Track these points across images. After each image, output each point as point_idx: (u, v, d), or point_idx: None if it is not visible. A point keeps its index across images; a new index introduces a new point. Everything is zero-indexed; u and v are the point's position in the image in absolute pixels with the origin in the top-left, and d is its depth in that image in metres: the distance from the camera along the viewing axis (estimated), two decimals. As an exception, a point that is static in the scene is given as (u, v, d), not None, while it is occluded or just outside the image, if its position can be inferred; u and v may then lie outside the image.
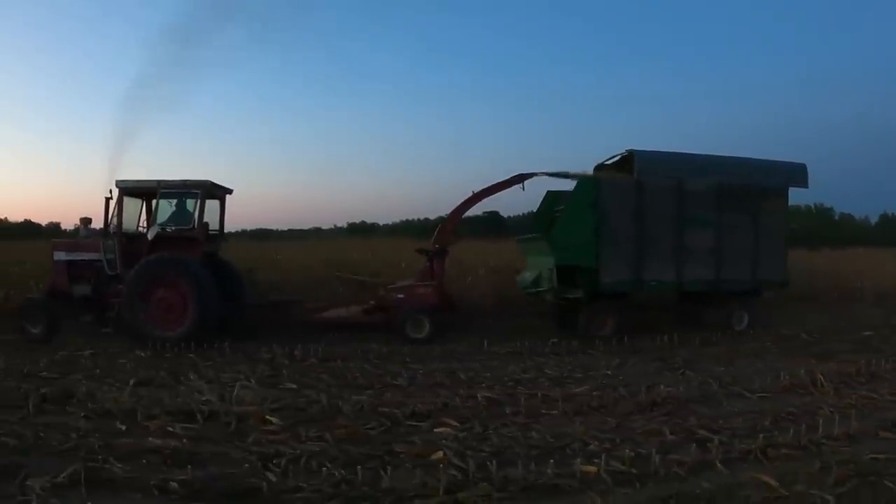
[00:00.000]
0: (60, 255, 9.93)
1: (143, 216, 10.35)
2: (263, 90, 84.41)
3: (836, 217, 39.09)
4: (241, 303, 10.66)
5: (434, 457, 4.36)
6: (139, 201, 10.31)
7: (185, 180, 9.79)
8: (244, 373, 7.31)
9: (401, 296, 10.29)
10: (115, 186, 9.69)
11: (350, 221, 52.40)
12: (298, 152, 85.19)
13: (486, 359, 8.48)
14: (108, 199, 9.79)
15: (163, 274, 9.31)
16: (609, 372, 7.57)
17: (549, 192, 11.47)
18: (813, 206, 38.25)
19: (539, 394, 6.32)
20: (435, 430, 5.10)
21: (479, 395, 6.21)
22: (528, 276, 10.97)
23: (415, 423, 5.30)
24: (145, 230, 9.95)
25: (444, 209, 10.27)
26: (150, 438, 4.78)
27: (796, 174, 10.69)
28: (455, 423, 5.22)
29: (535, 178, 10.78)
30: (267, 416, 5.37)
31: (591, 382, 6.94)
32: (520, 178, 10.65)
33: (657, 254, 10.13)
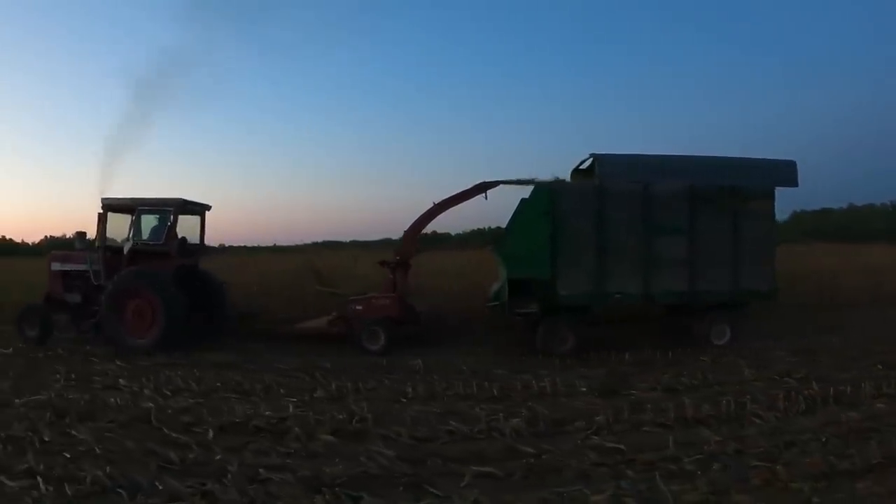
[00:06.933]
0: (56, 266, 10.95)
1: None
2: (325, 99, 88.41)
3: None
4: (220, 313, 11.23)
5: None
6: (128, 217, 11.15)
7: (160, 198, 10.52)
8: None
9: (359, 307, 10.33)
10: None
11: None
12: (363, 161, 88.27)
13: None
14: (100, 215, 10.73)
15: (134, 286, 9.98)
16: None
17: (522, 200, 11.06)
18: (890, 204, 34.95)
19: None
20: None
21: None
22: (494, 288, 10.63)
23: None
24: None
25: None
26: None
27: (783, 173, 9.56)
28: None
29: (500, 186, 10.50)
30: None
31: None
32: (482, 188, 10.35)
33: (621, 264, 9.43)
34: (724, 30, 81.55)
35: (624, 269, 9.43)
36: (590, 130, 74.37)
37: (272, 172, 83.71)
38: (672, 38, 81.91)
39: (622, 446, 4.97)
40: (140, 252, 10.44)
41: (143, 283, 9.99)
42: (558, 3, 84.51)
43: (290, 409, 6.24)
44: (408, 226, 10.60)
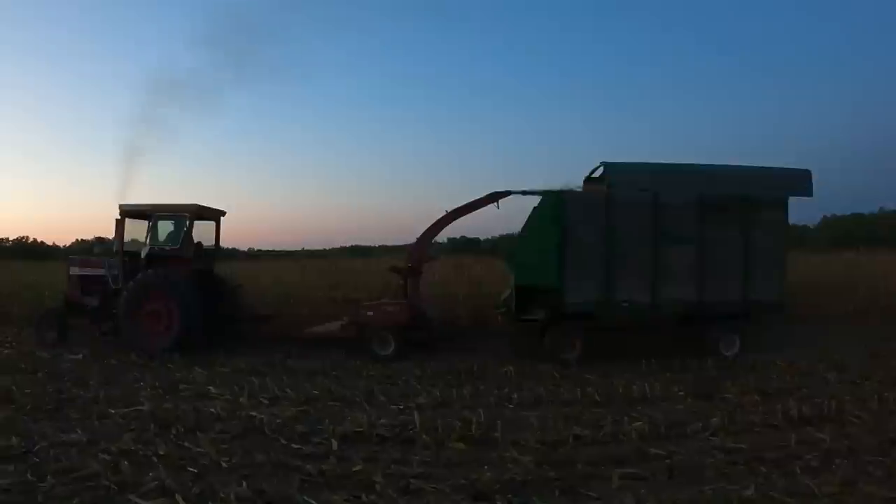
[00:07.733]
0: (75, 270, 11.22)
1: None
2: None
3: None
4: (232, 316, 11.43)
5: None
6: (146, 222, 11.39)
7: (176, 204, 10.73)
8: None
9: (370, 313, 10.44)
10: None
11: (450, 237, 52.43)
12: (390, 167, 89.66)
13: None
14: (118, 220, 10.98)
15: (152, 289, 10.19)
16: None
17: (533, 209, 11.08)
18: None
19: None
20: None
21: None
22: (503, 295, 10.72)
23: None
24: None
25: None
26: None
27: (796, 182, 9.48)
28: None
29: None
30: None
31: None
32: (494, 197, 10.38)
33: (629, 272, 9.43)
34: (744, 34, 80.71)
35: (632, 277, 9.43)
36: (605, 138, 74.30)
37: (301, 179, 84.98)
38: (689, 43, 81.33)
39: (744, 446, 5.18)
40: (157, 257, 10.67)
41: (161, 287, 10.19)
42: (574, 11, 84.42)
43: (416, 417, 6.11)
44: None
